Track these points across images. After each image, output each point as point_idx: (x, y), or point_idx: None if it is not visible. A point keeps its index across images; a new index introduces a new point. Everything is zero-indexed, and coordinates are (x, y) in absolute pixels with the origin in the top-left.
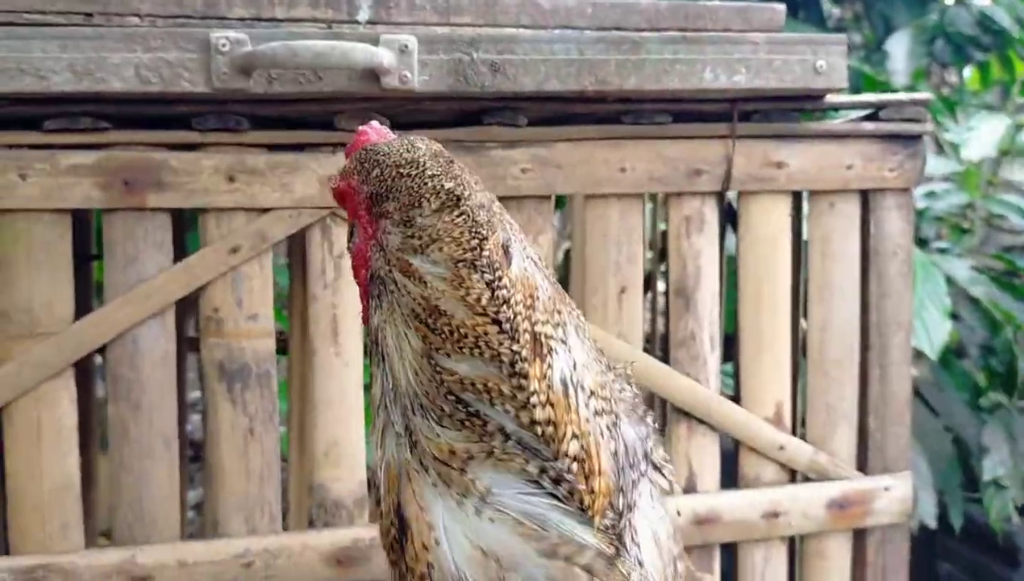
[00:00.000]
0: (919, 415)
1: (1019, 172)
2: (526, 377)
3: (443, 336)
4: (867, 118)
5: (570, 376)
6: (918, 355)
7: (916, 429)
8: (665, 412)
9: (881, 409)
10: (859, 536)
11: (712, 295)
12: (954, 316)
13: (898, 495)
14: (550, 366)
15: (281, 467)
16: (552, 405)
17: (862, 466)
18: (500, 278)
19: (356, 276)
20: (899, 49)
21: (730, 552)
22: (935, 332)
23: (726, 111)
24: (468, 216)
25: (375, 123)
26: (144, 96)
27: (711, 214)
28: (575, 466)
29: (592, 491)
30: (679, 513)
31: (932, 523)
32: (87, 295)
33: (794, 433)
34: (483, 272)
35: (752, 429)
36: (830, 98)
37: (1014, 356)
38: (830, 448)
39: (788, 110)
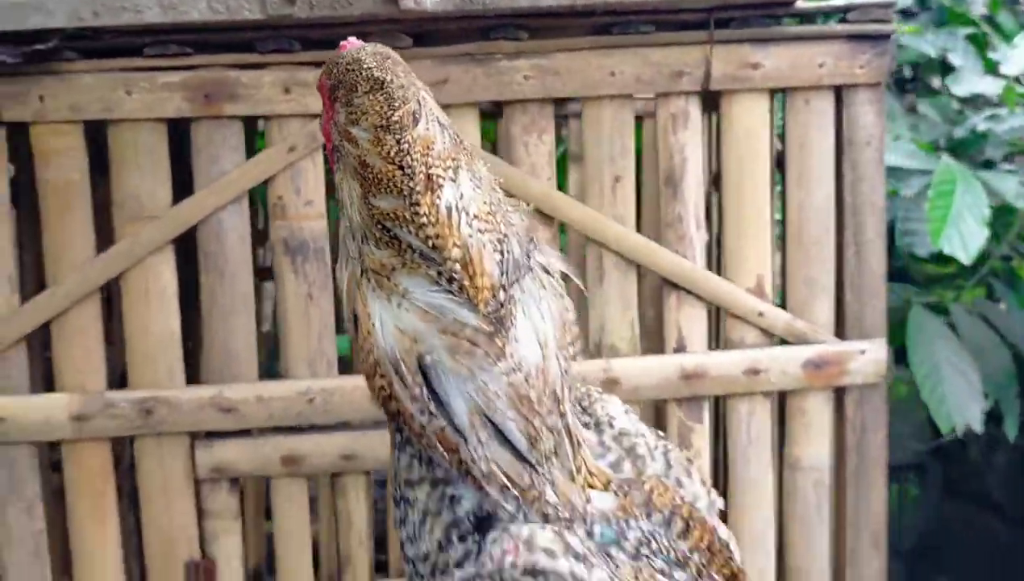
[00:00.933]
0: (977, 330)
1: None
2: (419, 205)
3: (370, 182)
4: (838, 21)
5: (455, 204)
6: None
7: (972, 343)
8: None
9: (857, 282)
10: (838, 395)
11: (697, 183)
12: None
13: (872, 358)
14: (439, 197)
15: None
16: (439, 224)
17: (840, 333)
18: (404, 136)
19: (326, 148)
20: None
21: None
22: (970, 240)
23: (704, 19)
24: (387, 95)
25: (353, 39)
26: (215, 24)
27: (694, 111)
28: (459, 268)
29: (475, 287)
30: (571, 314)
31: (978, 427)
32: (182, 188)
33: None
34: (392, 133)
35: (734, 298)
36: (801, 4)
37: None
38: (809, 316)
39: (762, 16)
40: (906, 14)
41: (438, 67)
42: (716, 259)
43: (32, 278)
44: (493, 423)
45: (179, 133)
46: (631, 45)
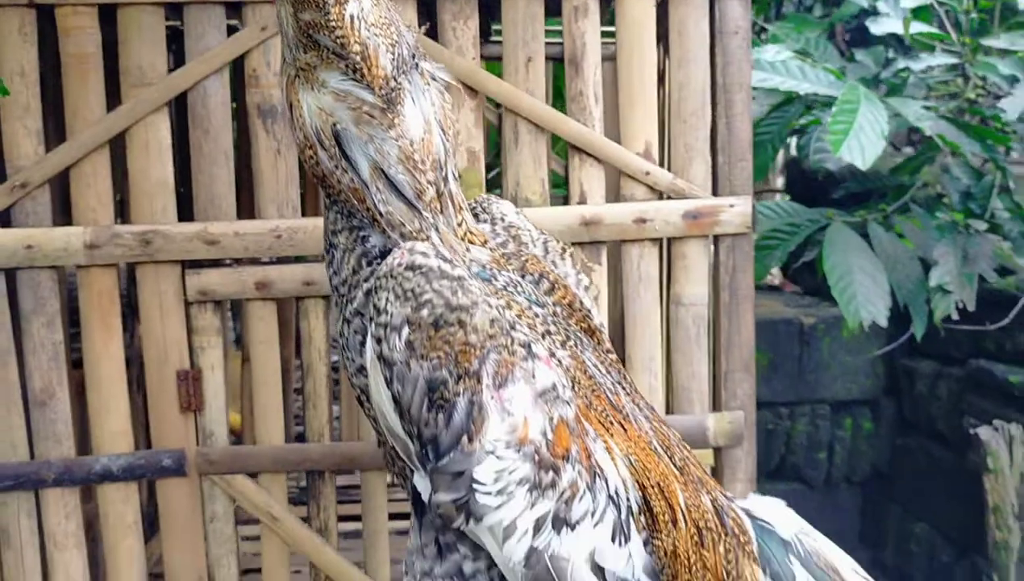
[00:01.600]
0: (892, 244)
1: (1004, 38)
2: (330, 15)
3: (299, 1)
4: None
5: (357, 14)
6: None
7: (885, 255)
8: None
9: (727, 148)
10: (715, 242)
11: (595, 63)
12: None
13: (740, 211)
14: (344, 8)
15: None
16: (344, 28)
17: (714, 190)
18: None
19: None
20: None
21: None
22: (869, 149)
23: None
24: None
25: None
26: None
27: (593, 4)
28: (360, 60)
29: (373, 75)
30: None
31: (882, 321)
32: (176, 61)
33: (661, 165)
34: None
35: (626, 160)
36: None
37: (989, 198)
38: (687, 176)
39: None
40: None
41: None
42: (611, 127)
43: (55, 133)
44: (387, 177)
45: (176, 15)
46: None
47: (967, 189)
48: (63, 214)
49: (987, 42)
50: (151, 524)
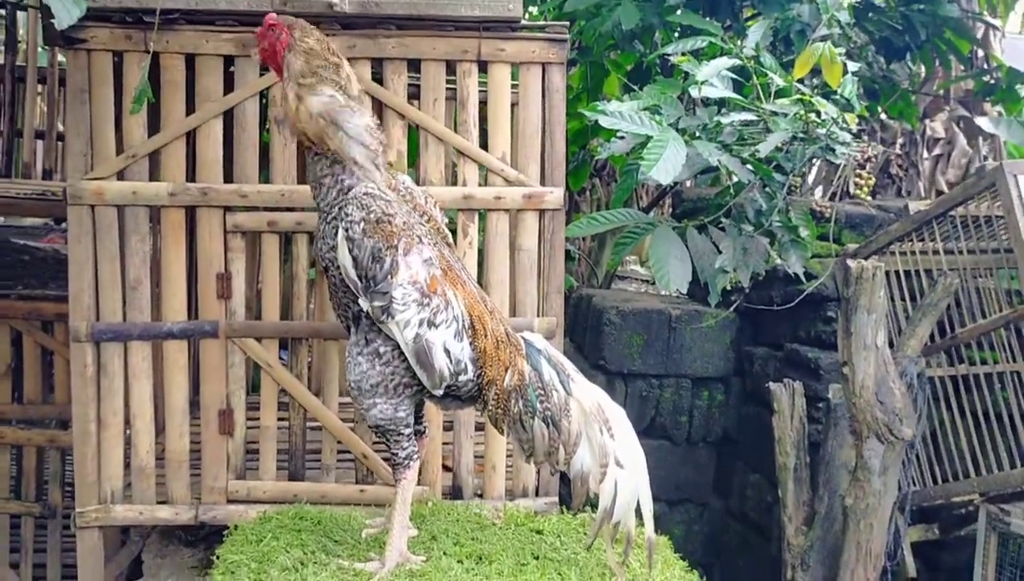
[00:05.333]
0: (701, 242)
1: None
2: (340, 67)
3: (306, 53)
4: (540, 31)
5: (348, 72)
6: (716, 219)
7: (695, 249)
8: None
9: (551, 158)
10: (541, 214)
11: (474, 104)
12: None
13: (556, 196)
14: (342, 66)
15: None
16: (342, 73)
17: (542, 182)
18: (310, 40)
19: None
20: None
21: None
22: (671, 172)
23: (478, 25)
24: (307, 29)
25: (273, 15)
26: (250, 12)
27: (474, 70)
28: (343, 79)
29: (350, 88)
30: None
31: (684, 290)
32: (227, 86)
33: (512, 166)
34: (311, 36)
35: (491, 161)
36: (524, 22)
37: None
38: (526, 173)
39: (504, 26)
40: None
41: (351, 39)
42: (482, 142)
43: (154, 127)
44: (361, 140)
45: (230, 62)
46: (443, 36)
47: (760, 208)
48: (154, 175)
49: (768, 106)
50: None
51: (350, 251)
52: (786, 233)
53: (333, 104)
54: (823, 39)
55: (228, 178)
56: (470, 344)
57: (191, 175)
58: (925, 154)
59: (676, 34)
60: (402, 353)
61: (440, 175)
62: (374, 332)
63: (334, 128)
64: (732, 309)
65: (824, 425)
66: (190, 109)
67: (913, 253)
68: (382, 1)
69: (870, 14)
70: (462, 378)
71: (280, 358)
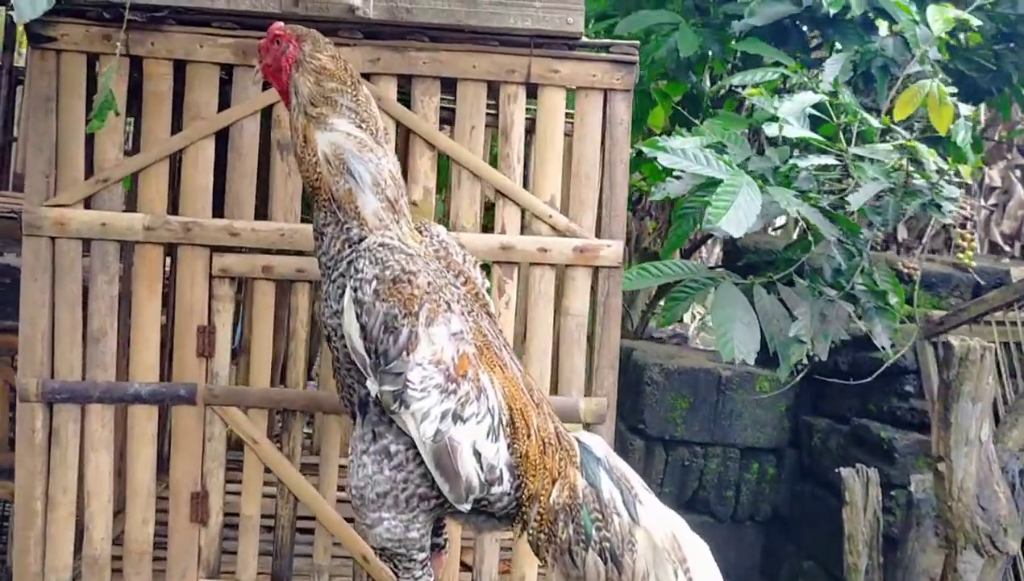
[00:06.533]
0: (771, 303)
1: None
2: (357, 92)
3: (319, 73)
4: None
5: (366, 93)
6: (788, 277)
7: (763, 311)
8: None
9: (609, 205)
10: (595, 272)
11: (519, 135)
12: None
13: (615, 250)
14: (359, 86)
15: None
16: (360, 102)
17: (597, 234)
18: (316, 60)
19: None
20: (833, 66)
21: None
22: (743, 223)
23: (528, 40)
24: (319, 40)
25: (279, 24)
26: (250, 13)
27: (521, 94)
28: (360, 116)
29: (372, 125)
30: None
31: (750, 360)
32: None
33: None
34: (310, 63)
35: (536, 205)
36: (584, 40)
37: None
38: (579, 221)
39: (561, 43)
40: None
41: (375, 51)
42: (528, 181)
43: (132, 147)
44: (380, 186)
45: (227, 72)
46: (485, 52)
47: (839, 266)
48: (129, 204)
49: (855, 150)
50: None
51: (358, 317)
52: (871, 298)
53: (348, 145)
54: (913, 77)
55: (218, 212)
56: (508, 446)
57: (173, 206)
58: (981, 203)
59: (730, 65)
60: (419, 454)
61: (474, 219)
62: (384, 425)
63: (344, 177)
64: (800, 377)
65: (903, 521)
66: (176, 127)
67: (1015, 323)
68: (414, 7)
69: (961, 51)
70: (495, 490)
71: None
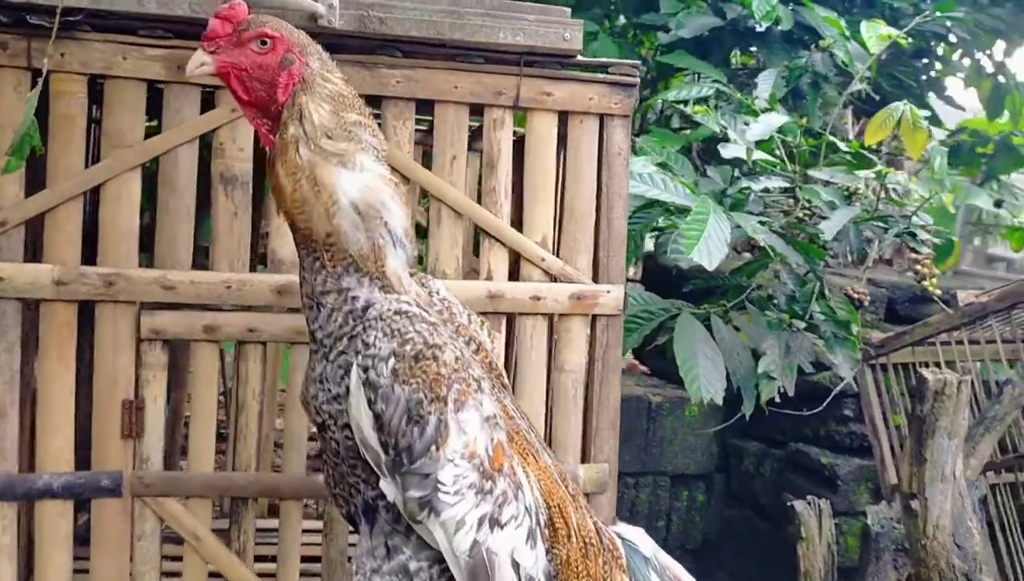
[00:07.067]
0: (729, 334)
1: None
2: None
3: (336, 100)
4: (601, 70)
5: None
6: (740, 303)
7: (724, 343)
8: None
9: (607, 245)
10: (592, 321)
11: (506, 167)
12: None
13: (615, 296)
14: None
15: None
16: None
17: (595, 278)
18: (331, 83)
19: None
20: (765, 82)
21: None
22: (715, 253)
23: (517, 59)
24: (339, 85)
25: (271, 22)
26: (191, 19)
27: (508, 119)
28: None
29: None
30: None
31: (719, 400)
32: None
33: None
34: (324, 87)
35: (526, 246)
36: (580, 58)
37: (810, 302)
38: (575, 264)
39: (554, 61)
40: (707, 102)
41: (340, 66)
42: (516, 219)
43: (36, 181)
44: (404, 242)
45: (154, 91)
46: (468, 70)
47: (792, 293)
48: (33, 253)
49: (812, 172)
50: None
51: (371, 404)
52: (831, 327)
53: (385, 189)
54: (849, 96)
55: (146, 260)
56: (547, 551)
57: (89, 255)
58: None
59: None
60: (446, 570)
61: (456, 264)
62: (400, 536)
63: (379, 229)
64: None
65: (861, 555)
66: (93, 157)
67: (960, 342)
68: (389, 17)
69: (885, 67)
70: None
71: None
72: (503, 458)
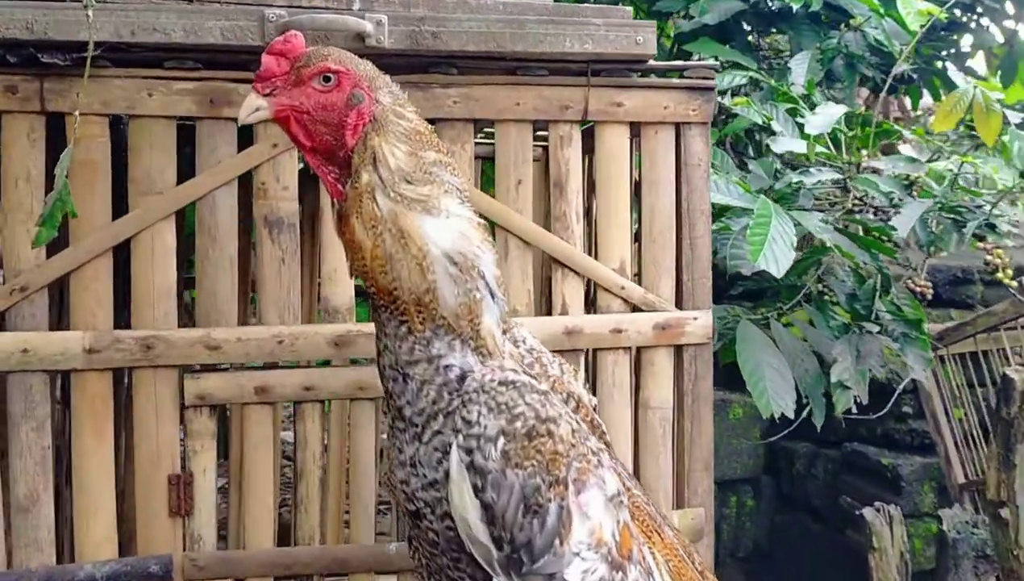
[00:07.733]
0: (792, 341)
1: (880, 160)
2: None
3: (413, 139)
4: (676, 74)
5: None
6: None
7: (787, 350)
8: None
9: (691, 266)
10: (678, 351)
11: (577, 187)
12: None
13: (702, 323)
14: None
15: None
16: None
17: (679, 304)
18: (406, 119)
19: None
20: (800, 66)
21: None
22: (781, 259)
23: (584, 68)
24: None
25: (328, 54)
26: (223, 47)
27: (576, 135)
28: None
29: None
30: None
31: (791, 414)
32: (186, 171)
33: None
34: (399, 124)
35: (603, 275)
36: (652, 63)
37: (873, 299)
38: (657, 291)
39: (624, 69)
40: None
41: None
42: (591, 245)
43: (59, 238)
44: (500, 290)
45: (185, 128)
46: (531, 84)
47: (852, 291)
48: (59, 318)
49: (874, 163)
50: None
51: (477, 492)
52: (900, 326)
53: (477, 237)
54: (899, 79)
55: (187, 319)
56: None
57: (123, 317)
58: None
59: None
60: None
61: (528, 298)
62: None
63: (475, 283)
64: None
65: (937, 563)
66: (121, 208)
67: None
68: (443, 31)
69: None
70: None
71: None
72: (631, 541)
